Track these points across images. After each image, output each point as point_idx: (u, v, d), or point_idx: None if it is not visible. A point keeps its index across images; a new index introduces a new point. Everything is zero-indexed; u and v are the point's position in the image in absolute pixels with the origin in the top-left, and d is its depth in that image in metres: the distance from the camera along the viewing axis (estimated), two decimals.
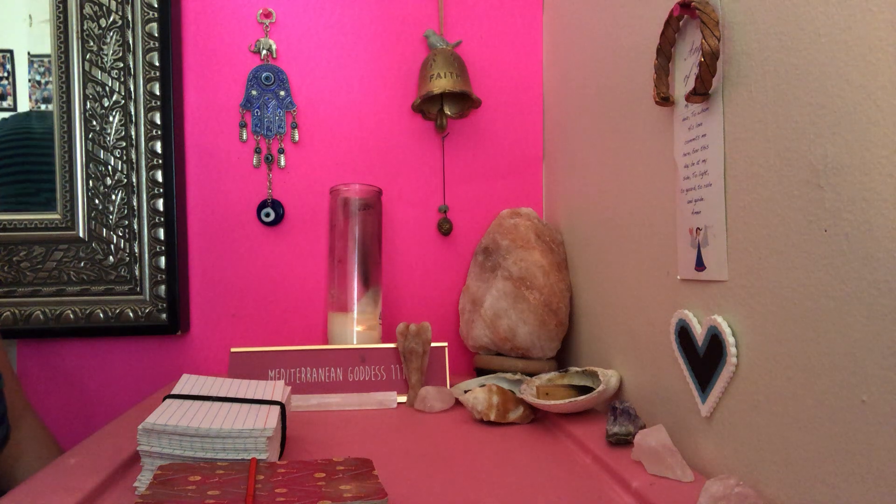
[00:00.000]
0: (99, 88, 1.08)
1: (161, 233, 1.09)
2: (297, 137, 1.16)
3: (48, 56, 1.08)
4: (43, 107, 1.09)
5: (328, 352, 0.99)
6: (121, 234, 1.09)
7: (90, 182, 1.09)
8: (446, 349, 1.00)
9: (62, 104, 1.08)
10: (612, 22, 0.87)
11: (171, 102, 1.09)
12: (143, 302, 1.09)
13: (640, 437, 0.64)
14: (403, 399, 0.98)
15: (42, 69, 1.09)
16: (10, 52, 1.09)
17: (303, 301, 1.17)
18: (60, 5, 1.07)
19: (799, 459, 0.51)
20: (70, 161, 1.08)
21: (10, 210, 1.08)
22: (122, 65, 1.09)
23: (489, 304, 1.01)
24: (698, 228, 0.64)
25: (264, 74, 1.14)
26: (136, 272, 1.09)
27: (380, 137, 1.18)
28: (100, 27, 1.08)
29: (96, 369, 1.13)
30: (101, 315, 1.09)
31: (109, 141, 1.09)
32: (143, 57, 1.09)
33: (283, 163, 1.16)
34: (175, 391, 0.73)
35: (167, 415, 0.64)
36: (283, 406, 0.72)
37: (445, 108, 1.16)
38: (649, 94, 0.73)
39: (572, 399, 0.80)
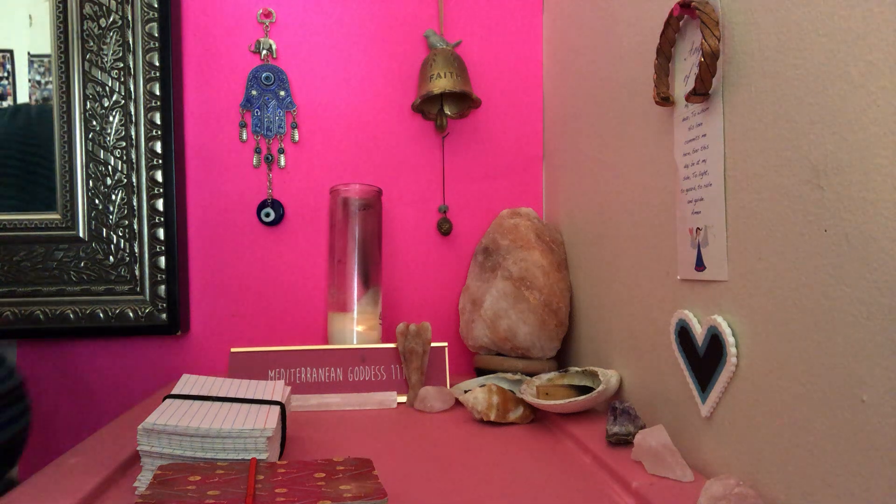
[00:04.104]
0: (99, 88, 1.08)
1: (161, 233, 1.09)
2: (297, 137, 1.16)
3: (48, 56, 1.08)
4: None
5: (328, 352, 0.99)
6: (121, 233, 1.09)
7: (90, 182, 1.09)
8: (446, 349, 1.00)
9: (62, 104, 1.08)
10: (612, 22, 0.87)
11: (171, 102, 1.09)
12: (143, 302, 1.09)
13: (640, 437, 0.64)
14: (403, 399, 0.98)
15: (42, 69, 1.09)
16: (10, 52, 1.09)
17: (303, 301, 1.17)
18: (60, 5, 1.07)
19: (799, 459, 0.51)
20: (70, 161, 1.08)
21: (10, 210, 1.08)
22: (122, 65, 1.09)
23: (489, 304, 1.01)
24: (698, 228, 0.64)
25: (264, 74, 1.14)
26: (137, 272, 1.09)
27: (380, 137, 1.18)
28: (100, 27, 1.08)
29: (96, 369, 1.13)
30: (102, 315, 1.09)
31: (109, 141, 1.09)
32: (143, 57, 1.09)
33: (283, 163, 1.16)
34: (175, 391, 0.73)
35: (167, 415, 0.64)
36: (283, 406, 0.72)
37: (445, 108, 1.16)
38: (649, 94, 0.73)
39: (572, 399, 0.80)
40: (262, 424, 0.64)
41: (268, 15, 1.15)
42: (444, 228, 1.18)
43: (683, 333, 0.66)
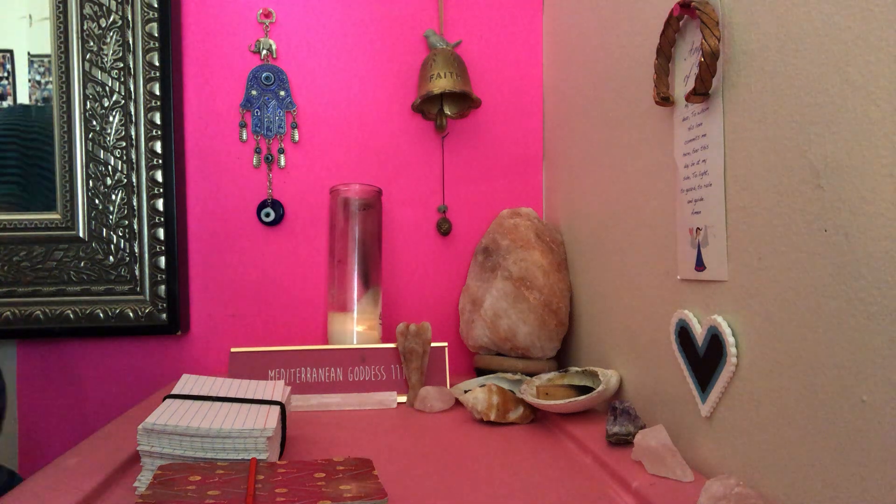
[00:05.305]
0: (99, 88, 1.08)
1: (161, 233, 1.09)
2: (297, 137, 1.16)
3: (48, 56, 1.08)
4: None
5: (328, 352, 0.99)
6: (121, 233, 1.09)
7: (90, 182, 1.09)
8: (446, 349, 1.00)
9: (62, 104, 1.08)
10: (613, 22, 0.87)
11: (171, 102, 1.09)
12: (143, 302, 1.09)
13: (640, 437, 0.64)
14: (403, 399, 0.98)
15: (42, 69, 1.09)
16: (10, 52, 1.09)
17: (303, 301, 1.17)
18: (60, 5, 1.07)
19: (799, 459, 0.51)
20: (70, 161, 1.08)
21: (10, 210, 1.08)
22: (122, 65, 1.09)
23: (489, 304, 1.01)
24: (698, 228, 0.64)
25: (264, 74, 1.14)
26: (136, 272, 1.09)
27: (380, 137, 1.18)
28: (100, 27, 1.08)
29: (96, 369, 1.13)
30: (101, 315, 1.09)
31: (109, 141, 1.09)
32: (143, 57, 1.09)
33: (283, 163, 1.16)
34: (175, 391, 0.73)
35: (167, 415, 0.64)
36: (283, 406, 0.72)
37: (445, 108, 1.16)
38: (649, 94, 0.73)
39: (572, 399, 0.80)
40: (262, 424, 0.64)
41: (268, 15, 1.15)
42: (444, 228, 1.18)
43: (683, 333, 0.66)
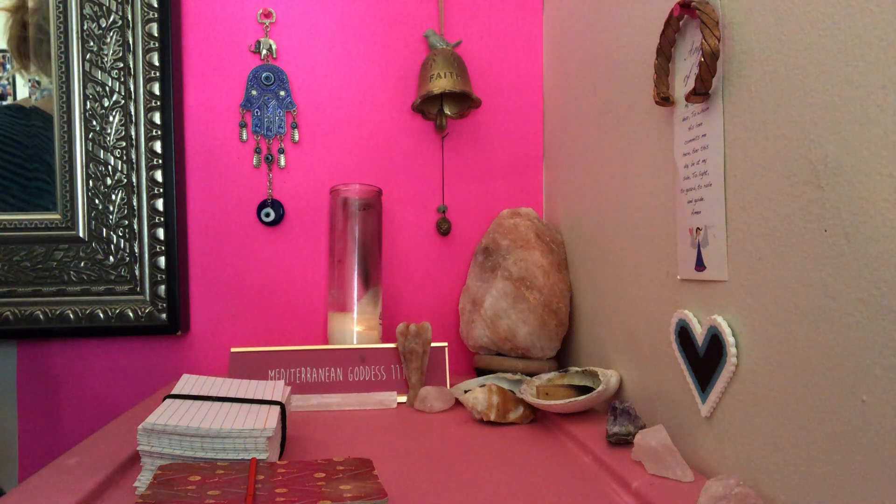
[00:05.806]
0: (99, 88, 1.08)
1: (161, 233, 1.09)
2: (297, 137, 1.16)
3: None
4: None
5: (328, 352, 0.99)
6: (121, 233, 1.09)
7: (90, 182, 1.09)
8: (446, 349, 1.00)
9: (62, 104, 1.08)
10: (612, 22, 0.87)
11: (171, 102, 1.09)
12: (143, 302, 1.09)
13: (640, 437, 0.64)
14: (403, 399, 0.98)
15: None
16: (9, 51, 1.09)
17: (303, 301, 1.17)
18: (60, 5, 1.07)
19: (799, 459, 0.51)
20: (70, 161, 1.08)
21: (10, 210, 1.08)
22: (122, 65, 1.09)
23: (489, 304, 1.01)
24: (698, 228, 0.64)
25: (264, 74, 1.14)
26: (137, 272, 1.09)
27: (380, 137, 1.18)
28: (100, 27, 1.08)
29: (96, 369, 1.13)
30: (101, 315, 1.09)
31: (109, 141, 1.09)
32: (143, 57, 1.09)
33: (283, 163, 1.16)
34: (175, 391, 0.73)
35: (167, 415, 0.64)
36: (283, 406, 0.72)
37: (445, 108, 1.16)
38: (649, 94, 0.73)
39: (572, 399, 0.80)
40: (262, 424, 0.64)
41: (268, 15, 1.15)
42: (443, 228, 1.18)
43: (683, 333, 0.66)
